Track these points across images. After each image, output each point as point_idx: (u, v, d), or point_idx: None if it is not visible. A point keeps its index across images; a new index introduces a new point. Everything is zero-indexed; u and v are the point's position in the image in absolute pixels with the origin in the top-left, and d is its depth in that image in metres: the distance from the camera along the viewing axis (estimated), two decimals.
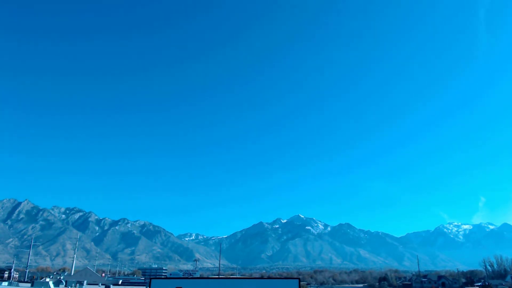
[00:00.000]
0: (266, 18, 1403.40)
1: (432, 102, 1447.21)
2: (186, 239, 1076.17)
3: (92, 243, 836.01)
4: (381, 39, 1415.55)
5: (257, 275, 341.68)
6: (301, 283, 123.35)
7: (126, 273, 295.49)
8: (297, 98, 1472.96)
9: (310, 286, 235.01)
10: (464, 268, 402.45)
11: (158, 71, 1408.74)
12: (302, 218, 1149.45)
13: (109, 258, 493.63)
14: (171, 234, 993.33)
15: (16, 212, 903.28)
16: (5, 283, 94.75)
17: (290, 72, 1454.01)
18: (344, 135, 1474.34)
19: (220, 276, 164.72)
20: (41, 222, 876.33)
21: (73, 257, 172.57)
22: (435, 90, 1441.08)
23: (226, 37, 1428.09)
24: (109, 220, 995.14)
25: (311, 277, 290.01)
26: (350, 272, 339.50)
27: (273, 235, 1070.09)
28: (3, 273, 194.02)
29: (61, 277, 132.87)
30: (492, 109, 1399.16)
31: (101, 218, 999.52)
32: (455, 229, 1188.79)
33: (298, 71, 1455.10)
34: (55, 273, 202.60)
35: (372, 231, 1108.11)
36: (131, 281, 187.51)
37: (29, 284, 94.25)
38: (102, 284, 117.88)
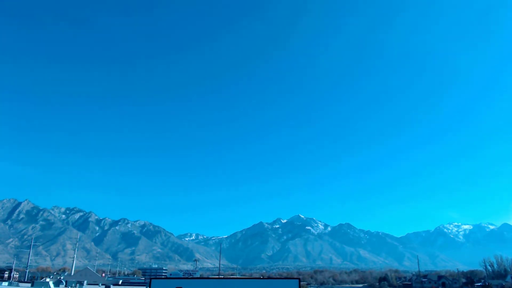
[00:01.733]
0: (269, 16, 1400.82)
1: (435, 109, 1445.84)
2: (186, 239, 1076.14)
3: (92, 243, 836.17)
4: (383, 45, 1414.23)
5: (257, 275, 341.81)
6: (301, 283, 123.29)
7: (126, 273, 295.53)
8: (299, 100, 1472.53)
9: (310, 286, 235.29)
10: (464, 268, 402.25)
11: (158, 69, 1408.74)
12: (302, 218, 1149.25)
13: (109, 258, 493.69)
14: (171, 234, 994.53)
15: (16, 212, 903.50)
16: (5, 283, 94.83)
17: (294, 73, 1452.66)
18: (345, 136, 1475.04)
19: (220, 276, 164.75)
20: (41, 222, 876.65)
21: (73, 257, 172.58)
22: (439, 97, 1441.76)
23: (225, 36, 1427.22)
24: (109, 220, 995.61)
25: (311, 277, 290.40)
26: (350, 272, 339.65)
27: (273, 235, 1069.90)
28: (3, 273, 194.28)
29: (61, 277, 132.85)
30: (491, 118, 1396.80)
31: (101, 218, 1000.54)
32: (455, 229, 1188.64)
33: (302, 72, 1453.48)
34: (55, 273, 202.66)
35: (372, 231, 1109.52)
36: (131, 281, 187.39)
37: (29, 284, 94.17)
38: (102, 284, 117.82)
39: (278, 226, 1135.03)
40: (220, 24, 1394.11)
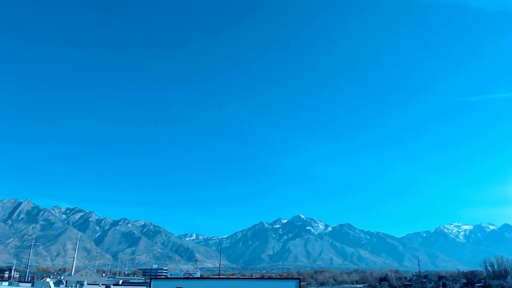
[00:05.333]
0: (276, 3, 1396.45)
1: (435, 110, 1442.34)
2: (187, 239, 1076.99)
3: (93, 243, 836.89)
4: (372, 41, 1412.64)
5: (258, 275, 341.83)
6: (302, 283, 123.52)
7: (126, 273, 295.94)
8: (300, 99, 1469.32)
9: (311, 286, 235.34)
10: (464, 268, 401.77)
11: (159, 67, 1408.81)
12: (303, 218, 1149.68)
13: (110, 258, 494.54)
14: (172, 234, 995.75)
15: (17, 212, 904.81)
16: (5, 283, 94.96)
17: (293, 71, 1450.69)
18: (345, 136, 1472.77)
19: (220, 276, 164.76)
20: (41, 222, 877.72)
21: (74, 257, 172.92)
22: (435, 91, 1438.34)
23: (226, 25, 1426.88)
24: (110, 220, 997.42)
25: (312, 277, 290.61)
26: (351, 272, 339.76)
27: (273, 235, 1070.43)
28: (4, 273, 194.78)
29: (62, 277, 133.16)
30: (492, 117, 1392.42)
31: (101, 218, 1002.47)
32: (456, 229, 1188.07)
33: (300, 70, 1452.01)
34: (55, 273, 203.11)
35: (373, 231, 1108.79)
36: (132, 281, 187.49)
37: (29, 284, 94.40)
38: (102, 284, 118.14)
39: (278, 226, 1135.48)
40: (221, 22, 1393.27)
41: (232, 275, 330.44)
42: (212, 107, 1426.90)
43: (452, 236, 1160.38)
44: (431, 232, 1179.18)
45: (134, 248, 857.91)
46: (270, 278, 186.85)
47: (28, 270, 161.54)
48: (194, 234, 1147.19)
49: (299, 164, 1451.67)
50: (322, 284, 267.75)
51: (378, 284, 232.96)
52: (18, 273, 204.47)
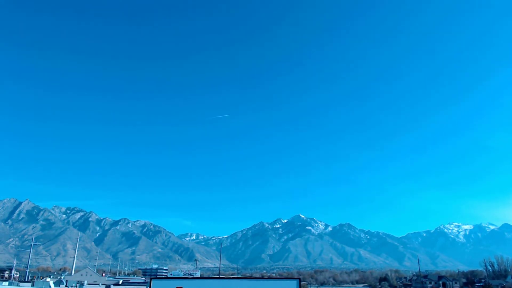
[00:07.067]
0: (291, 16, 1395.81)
1: (436, 109, 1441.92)
2: (187, 239, 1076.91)
3: (93, 243, 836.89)
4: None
5: (258, 275, 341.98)
6: (302, 283, 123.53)
7: (126, 273, 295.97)
8: (301, 101, 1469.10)
9: (311, 286, 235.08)
10: (464, 268, 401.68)
11: (161, 67, 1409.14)
12: (303, 218, 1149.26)
13: (110, 258, 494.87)
14: (172, 234, 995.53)
15: (17, 212, 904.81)
16: (5, 283, 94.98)
17: (295, 74, 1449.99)
18: (345, 135, 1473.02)
19: (220, 276, 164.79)
20: (41, 222, 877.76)
21: (74, 257, 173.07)
22: (442, 98, 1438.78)
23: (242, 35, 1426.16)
24: (110, 220, 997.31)
25: (312, 277, 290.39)
26: (351, 272, 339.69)
27: (273, 235, 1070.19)
28: (4, 273, 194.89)
29: (62, 277, 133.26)
30: (492, 117, 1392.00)
31: (101, 218, 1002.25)
32: (456, 229, 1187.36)
33: (303, 73, 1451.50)
34: (55, 273, 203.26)
35: (373, 231, 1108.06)
36: (132, 281, 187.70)
37: (29, 284, 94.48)
38: (102, 284, 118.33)
39: (278, 226, 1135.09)
40: (236, 34, 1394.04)
41: (232, 275, 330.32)
42: (213, 111, 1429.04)
43: (452, 236, 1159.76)
44: (431, 232, 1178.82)
45: (134, 248, 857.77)
46: (270, 278, 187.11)
47: (28, 270, 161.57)
48: (194, 234, 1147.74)
49: (299, 164, 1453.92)
50: (322, 284, 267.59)
51: (378, 284, 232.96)
52: (18, 273, 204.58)
